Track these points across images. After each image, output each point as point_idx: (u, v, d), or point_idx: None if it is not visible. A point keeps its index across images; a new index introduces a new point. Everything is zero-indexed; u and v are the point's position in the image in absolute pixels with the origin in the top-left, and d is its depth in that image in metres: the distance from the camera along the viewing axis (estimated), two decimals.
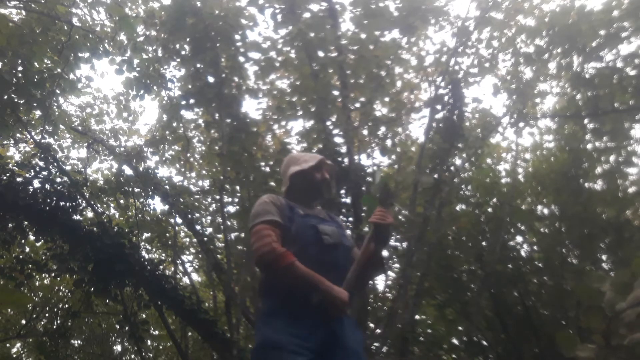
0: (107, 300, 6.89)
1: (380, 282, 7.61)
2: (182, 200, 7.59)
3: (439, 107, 6.90)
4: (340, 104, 6.58)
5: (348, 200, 6.19)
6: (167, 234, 8.64)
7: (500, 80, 8.07)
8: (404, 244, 6.87)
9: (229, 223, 6.97)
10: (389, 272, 7.96)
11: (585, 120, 7.44)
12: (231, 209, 7.31)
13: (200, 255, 8.81)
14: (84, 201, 6.82)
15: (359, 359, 2.26)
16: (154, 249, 9.35)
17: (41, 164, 6.33)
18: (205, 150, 8.82)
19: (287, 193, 2.59)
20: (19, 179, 6.12)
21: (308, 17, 6.47)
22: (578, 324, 5.70)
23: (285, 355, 2.13)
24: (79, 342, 10.73)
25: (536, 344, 7.03)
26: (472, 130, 8.00)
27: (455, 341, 7.90)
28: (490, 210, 7.77)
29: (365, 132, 7.48)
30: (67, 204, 6.20)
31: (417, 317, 7.32)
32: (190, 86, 6.79)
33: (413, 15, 6.53)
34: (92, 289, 6.33)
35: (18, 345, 11.04)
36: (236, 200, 7.18)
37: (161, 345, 11.14)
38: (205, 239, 7.50)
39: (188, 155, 8.94)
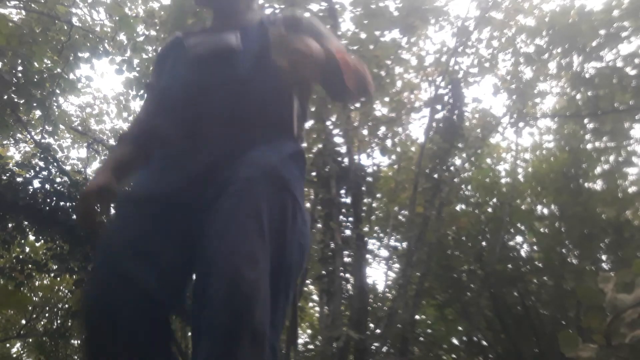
0: None
1: (380, 282, 7.61)
2: None
3: (439, 107, 6.89)
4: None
5: (348, 200, 6.18)
6: None
7: (500, 80, 8.07)
8: (404, 244, 6.87)
9: None
10: (389, 272, 7.97)
11: (585, 120, 7.45)
12: None
13: None
14: None
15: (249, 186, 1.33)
16: None
17: (41, 164, 6.31)
18: None
19: None
20: (19, 179, 6.11)
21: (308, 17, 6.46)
22: (578, 324, 5.70)
23: (117, 207, 1.58)
24: (79, 342, 10.72)
25: (536, 344, 7.04)
26: (472, 130, 8.00)
27: (455, 341, 7.91)
28: (490, 210, 7.78)
29: (365, 132, 7.48)
30: (67, 204, 6.18)
31: (417, 317, 7.32)
32: None
33: (413, 15, 6.52)
34: None
35: (18, 345, 11.05)
36: None
37: None
38: None
39: None
